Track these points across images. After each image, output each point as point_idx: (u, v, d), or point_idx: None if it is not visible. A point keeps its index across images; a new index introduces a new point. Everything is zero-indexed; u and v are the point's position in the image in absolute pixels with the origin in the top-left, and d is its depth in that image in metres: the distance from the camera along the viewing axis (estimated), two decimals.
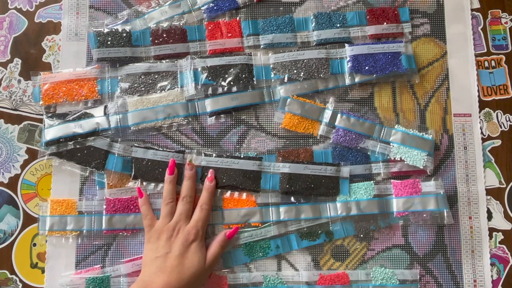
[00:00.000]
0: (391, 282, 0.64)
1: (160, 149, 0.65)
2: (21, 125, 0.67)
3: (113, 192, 0.64)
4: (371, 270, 0.64)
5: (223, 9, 0.69)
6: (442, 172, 0.67)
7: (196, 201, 0.63)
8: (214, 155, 0.65)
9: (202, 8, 0.69)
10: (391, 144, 0.65)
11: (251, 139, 0.67)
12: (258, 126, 0.68)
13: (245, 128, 0.67)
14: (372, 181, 0.65)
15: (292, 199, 0.65)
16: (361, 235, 0.65)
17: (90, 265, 0.64)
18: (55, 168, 0.65)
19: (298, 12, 0.70)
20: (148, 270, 0.58)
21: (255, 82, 0.67)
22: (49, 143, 0.64)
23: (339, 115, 0.66)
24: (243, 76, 0.66)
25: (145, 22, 0.69)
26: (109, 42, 0.66)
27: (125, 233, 0.64)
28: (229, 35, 0.68)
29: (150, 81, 0.66)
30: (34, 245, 0.64)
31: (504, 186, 0.68)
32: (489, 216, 0.67)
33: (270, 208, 0.65)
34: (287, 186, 0.64)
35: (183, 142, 0.67)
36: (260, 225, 0.64)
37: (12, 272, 0.64)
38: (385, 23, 0.69)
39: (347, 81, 0.67)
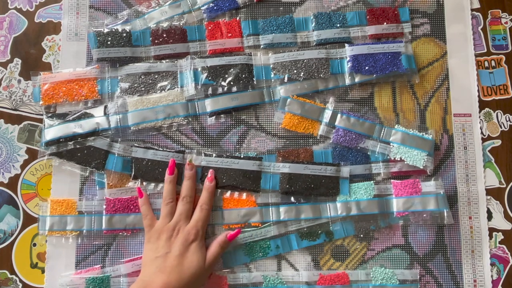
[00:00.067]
0: (391, 282, 0.64)
1: (160, 149, 0.65)
2: (21, 125, 0.67)
3: (113, 192, 0.64)
4: (371, 270, 0.64)
5: (223, 9, 0.69)
6: (442, 172, 0.67)
7: (196, 201, 0.63)
8: (214, 155, 0.65)
9: (202, 8, 0.69)
10: (391, 144, 0.65)
11: (251, 139, 0.67)
12: (258, 126, 0.68)
13: (245, 128, 0.67)
14: (372, 181, 0.65)
15: (292, 199, 0.65)
16: (361, 235, 0.65)
17: (90, 265, 0.64)
18: (55, 168, 0.65)
19: (298, 12, 0.70)
20: (148, 270, 0.58)
21: (255, 82, 0.67)
22: (49, 143, 0.64)
23: (339, 115, 0.66)
24: (243, 76, 0.66)
25: (145, 22, 0.69)
26: (109, 42, 0.67)
27: (125, 233, 0.64)
28: (229, 35, 0.68)
29: (150, 81, 0.66)
30: (34, 245, 0.64)
31: (504, 186, 0.68)
32: (489, 216, 0.67)
33: (270, 208, 0.65)
34: (287, 186, 0.64)
35: (183, 142, 0.67)
36: (260, 225, 0.64)
37: (12, 272, 0.64)
38: (385, 23, 0.69)
39: (347, 81, 0.67)
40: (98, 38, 0.67)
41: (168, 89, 0.66)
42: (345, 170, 0.65)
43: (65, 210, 0.64)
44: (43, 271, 0.64)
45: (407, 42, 0.69)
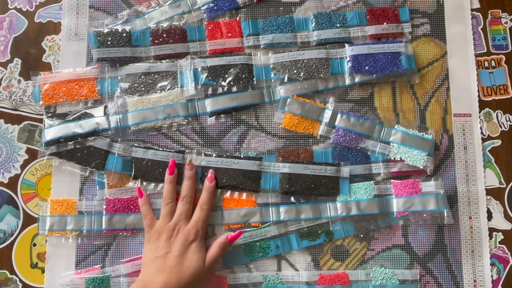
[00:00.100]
0: (391, 282, 0.64)
1: (160, 149, 0.65)
2: (21, 125, 0.67)
3: (113, 192, 0.64)
4: (371, 270, 0.64)
5: (223, 9, 0.69)
6: (442, 172, 0.67)
7: (196, 201, 0.63)
8: (214, 155, 0.65)
9: (202, 8, 0.69)
10: (391, 144, 0.65)
11: (251, 139, 0.67)
12: (258, 126, 0.68)
13: (245, 128, 0.67)
14: (372, 181, 0.65)
15: (292, 199, 0.65)
16: (361, 235, 0.65)
17: (90, 265, 0.64)
18: (55, 168, 0.65)
19: (298, 12, 0.70)
20: (148, 270, 0.58)
21: (255, 82, 0.67)
22: (49, 143, 0.64)
23: (339, 115, 0.66)
24: (243, 76, 0.66)
25: (145, 22, 0.69)
26: (109, 42, 0.67)
27: (125, 233, 0.64)
28: (229, 35, 0.68)
29: (150, 81, 0.66)
30: (34, 245, 0.64)
31: (504, 186, 0.68)
32: (489, 216, 0.67)
33: (270, 208, 0.65)
34: (287, 186, 0.64)
35: (183, 142, 0.67)
36: (260, 225, 0.64)
37: (12, 272, 0.64)
38: (385, 23, 0.69)
39: (347, 81, 0.67)
40: (98, 38, 0.67)
41: (168, 89, 0.66)
42: (345, 170, 0.65)
43: (65, 210, 0.64)
44: (43, 271, 0.64)
45: (407, 42, 0.69)
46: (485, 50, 0.71)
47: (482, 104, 0.69)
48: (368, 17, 0.69)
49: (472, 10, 0.72)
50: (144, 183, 0.65)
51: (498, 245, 0.66)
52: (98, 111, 0.65)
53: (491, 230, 0.67)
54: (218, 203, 0.65)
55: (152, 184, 0.65)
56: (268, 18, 0.69)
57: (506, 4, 0.72)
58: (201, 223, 0.61)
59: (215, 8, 0.69)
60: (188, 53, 0.68)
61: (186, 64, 0.67)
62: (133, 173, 0.64)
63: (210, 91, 0.67)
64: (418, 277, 0.65)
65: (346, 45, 0.68)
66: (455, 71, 0.70)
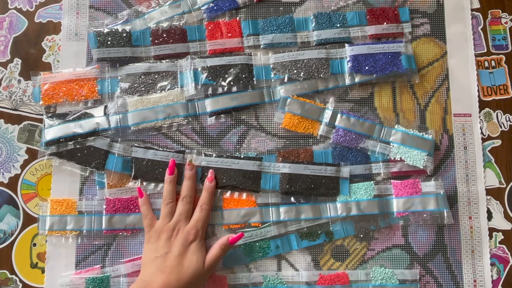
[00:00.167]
0: (391, 282, 0.64)
1: (160, 149, 0.65)
2: (21, 125, 0.67)
3: (113, 192, 0.64)
4: (371, 270, 0.64)
5: (223, 9, 0.69)
6: (442, 172, 0.67)
7: (196, 201, 0.63)
8: (214, 155, 0.65)
9: (202, 8, 0.69)
10: (391, 144, 0.65)
11: (251, 139, 0.67)
12: (258, 126, 0.68)
13: (245, 128, 0.67)
14: (372, 181, 0.65)
15: (292, 199, 0.65)
16: (361, 235, 0.65)
17: (90, 265, 0.64)
18: (55, 168, 0.65)
19: (298, 12, 0.70)
20: (148, 270, 0.58)
21: (255, 82, 0.67)
22: (49, 143, 0.64)
23: (339, 115, 0.66)
24: (243, 76, 0.66)
25: (145, 22, 0.69)
26: (109, 42, 0.67)
27: (125, 233, 0.64)
28: (229, 35, 0.68)
29: (150, 81, 0.66)
30: (34, 245, 0.64)
31: (504, 186, 0.68)
32: (489, 216, 0.67)
33: (270, 208, 0.65)
34: (287, 186, 0.64)
35: (183, 142, 0.67)
36: (260, 225, 0.64)
37: (12, 272, 0.64)
38: (385, 23, 0.69)
39: (347, 81, 0.67)
40: (98, 38, 0.67)
41: (168, 89, 0.66)
42: (345, 170, 0.65)
43: (65, 210, 0.64)
44: (43, 271, 0.64)
45: (407, 42, 0.69)
46: (485, 50, 0.71)
47: (482, 104, 0.69)
48: (368, 17, 0.69)
49: (472, 10, 0.72)
50: (144, 183, 0.65)
51: (498, 245, 0.66)
52: (98, 111, 0.65)
53: (491, 230, 0.67)
54: (218, 203, 0.65)
55: (152, 184, 0.65)
56: (268, 18, 0.69)
57: (506, 4, 0.72)
58: (201, 223, 0.61)
59: (215, 8, 0.69)
60: (188, 53, 0.68)
61: (186, 64, 0.67)
62: (133, 173, 0.64)
63: (210, 91, 0.67)
64: (418, 277, 0.65)
65: (346, 45, 0.68)
66: (455, 71, 0.70)
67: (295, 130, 0.66)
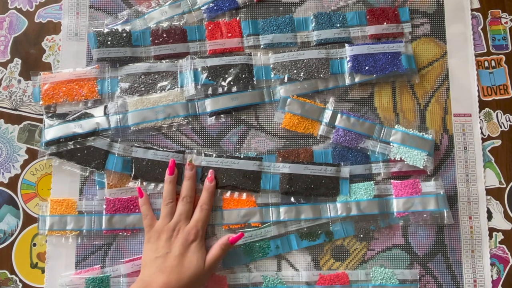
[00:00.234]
0: (391, 282, 0.64)
1: (160, 149, 0.65)
2: (21, 125, 0.67)
3: (113, 192, 0.64)
4: (371, 270, 0.64)
5: (223, 9, 0.69)
6: (442, 172, 0.67)
7: (196, 201, 0.63)
8: (214, 155, 0.65)
9: (202, 8, 0.69)
10: (391, 144, 0.65)
11: (251, 139, 0.67)
12: (258, 126, 0.68)
13: (245, 128, 0.67)
14: (372, 181, 0.65)
15: (292, 199, 0.65)
16: (361, 235, 0.65)
17: (90, 265, 0.64)
18: (55, 168, 0.65)
19: (298, 12, 0.70)
20: (148, 270, 0.58)
21: (255, 82, 0.67)
22: (49, 143, 0.64)
23: (339, 115, 0.66)
24: (243, 76, 0.66)
25: (145, 22, 0.69)
26: (109, 42, 0.66)
27: (125, 233, 0.64)
28: (229, 35, 0.68)
29: (150, 81, 0.66)
30: (34, 245, 0.64)
31: (504, 186, 0.68)
32: (489, 216, 0.67)
33: (270, 208, 0.65)
34: (287, 186, 0.64)
35: (183, 142, 0.67)
36: (260, 225, 0.64)
37: (12, 272, 0.64)
38: (385, 23, 0.69)
39: (347, 81, 0.67)
40: (98, 38, 0.67)
41: (168, 89, 0.66)
42: (345, 170, 0.65)
43: (65, 210, 0.64)
44: (43, 271, 0.64)
45: (407, 42, 0.69)
46: (485, 50, 0.71)
47: (482, 104, 0.69)
48: (368, 17, 0.69)
49: (472, 10, 0.72)
50: (144, 183, 0.65)
51: (498, 245, 0.66)
52: (98, 111, 0.65)
53: (491, 230, 0.67)
54: (218, 203, 0.65)
55: (152, 184, 0.65)
56: (268, 18, 0.69)
57: (506, 4, 0.72)
58: (201, 223, 0.61)
59: (215, 8, 0.69)
60: (188, 53, 0.68)
61: (186, 64, 0.67)
62: (133, 173, 0.64)
63: (210, 91, 0.67)
64: (418, 277, 0.65)
65: (346, 45, 0.68)
66: (455, 71, 0.70)
67: (295, 130, 0.66)
